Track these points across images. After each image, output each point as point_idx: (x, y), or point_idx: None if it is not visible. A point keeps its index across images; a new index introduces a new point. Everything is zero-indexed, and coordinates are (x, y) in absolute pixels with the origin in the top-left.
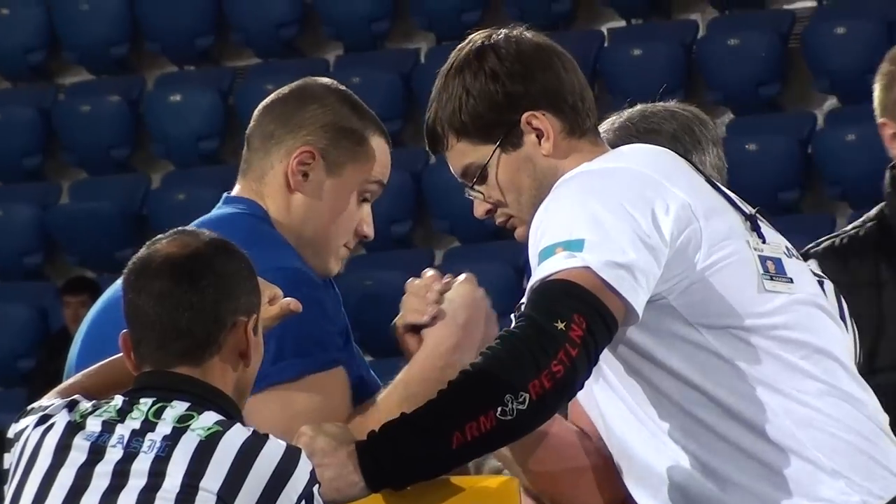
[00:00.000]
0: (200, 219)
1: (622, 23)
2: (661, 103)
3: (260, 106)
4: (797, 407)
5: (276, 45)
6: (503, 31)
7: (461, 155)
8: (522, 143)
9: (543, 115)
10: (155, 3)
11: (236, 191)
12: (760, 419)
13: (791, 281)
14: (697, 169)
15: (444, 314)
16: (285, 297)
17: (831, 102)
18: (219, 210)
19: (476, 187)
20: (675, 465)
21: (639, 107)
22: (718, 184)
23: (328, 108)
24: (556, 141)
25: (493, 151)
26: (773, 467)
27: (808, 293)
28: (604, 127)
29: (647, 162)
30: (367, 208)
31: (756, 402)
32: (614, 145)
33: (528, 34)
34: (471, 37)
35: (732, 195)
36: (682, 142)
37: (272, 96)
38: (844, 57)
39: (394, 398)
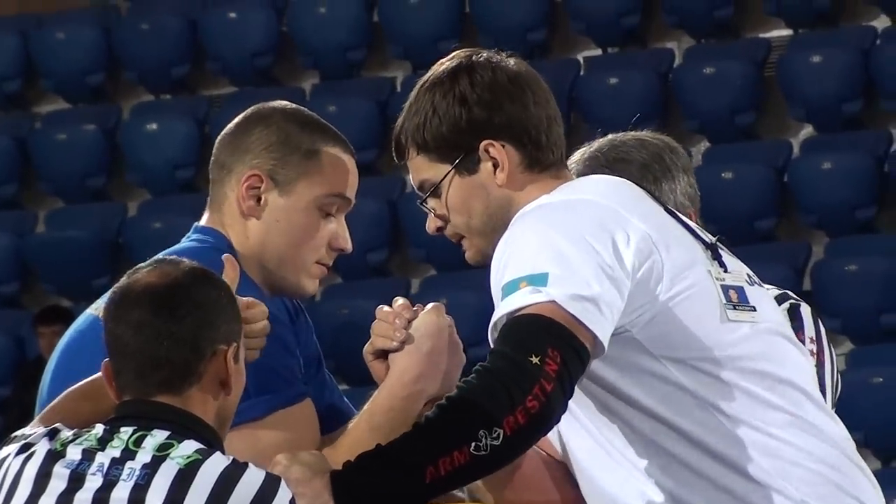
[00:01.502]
0: (168, 249)
1: (598, 51)
2: (632, 133)
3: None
4: (763, 438)
5: (252, 74)
6: (485, 54)
7: (419, 169)
8: (478, 170)
9: (503, 145)
10: (131, 33)
11: (204, 220)
12: (727, 450)
13: (754, 309)
14: (657, 199)
15: (412, 339)
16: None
17: (807, 131)
18: (186, 242)
19: (429, 203)
20: (643, 497)
21: (608, 137)
22: (679, 213)
23: (272, 128)
24: (512, 173)
25: (449, 172)
26: (742, 498)
27: (771, 321)
28: (574, 158)
29: (607, 193)
30: (338, 222)
31: (722, 433)
32: (583, 176)
33: (511, 61)
34: (455, 53)
35: (692, 224)
36: (652, 170)
37: (228, 126)
38: (820, 85)
39: (360, 428)
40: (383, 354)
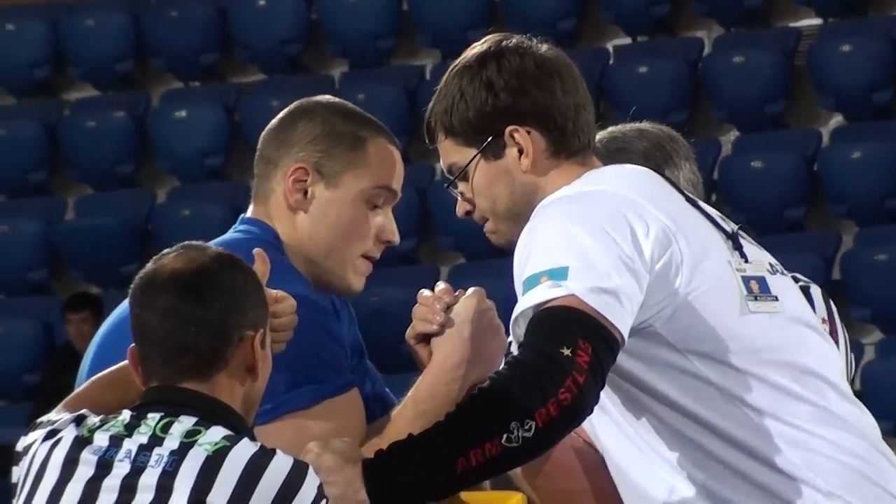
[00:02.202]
0: (214, 241)
1: (628, 40)
2: (631, 124)
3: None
4: (789, 430)
5: (282, 62)
6: (516, 39)
7: (447, 152)
8: (503, 155)
9: (528, 131)
10: (160, 20)
11: (250, 212)
12: (754, 443)
13: (776, 299)
14: (677, 187)
15: (453, 324)
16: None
17: (837, 120)
18: (232, 233)
19: (458, 187)
20: (672, 489)
21: (608, 129)
22: (700, 202)
23: (317, 121)
24: (537, 159)
25: (475, 156)
26: (770, 490)
27: (794, 310)
28: None
29: (627, 183)
30: (385, 214)
31: (748, 426)
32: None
33: (542, 47)
34: (487, 38)
35: (714, 213)
36: (654, 158)
37: (272, 121)
38: (850, 75)
39: (405, 416)
40: (426, 339)
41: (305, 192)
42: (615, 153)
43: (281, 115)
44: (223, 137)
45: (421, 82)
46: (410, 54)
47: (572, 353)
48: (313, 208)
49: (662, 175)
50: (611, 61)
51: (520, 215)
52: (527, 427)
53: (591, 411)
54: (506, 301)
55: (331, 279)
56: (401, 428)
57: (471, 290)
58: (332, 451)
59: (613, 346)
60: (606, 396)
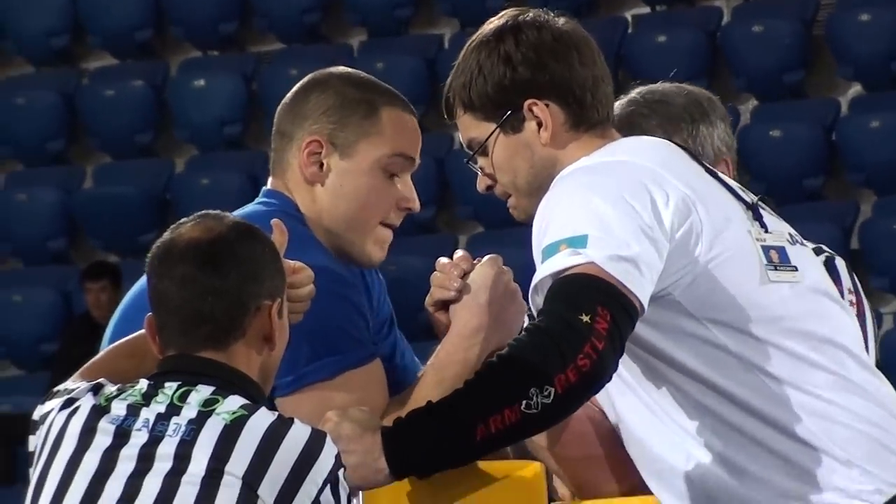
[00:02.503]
0: (235, 211)
1: (646, 9)
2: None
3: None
4: (807, 399)
5: (300, 31)
6: (533, 13)
7: (466, 127)
8: (522, 129)
9: (547, 104)
10: None
11: (270, 184)
12: (772, 411)
13: (795, 269)
14: (696, 159)
15: (470, 290)
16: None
17: (855, 89)
18: (254, 205)
19: (478, 162)
20: (690, 457)
21: (647, 86)
22: (719, 173)
23: (329, 92)
24: (556, 132)
25: (494, 131)
26: (788, 458)
27: (813, 280)
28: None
29: (646, 154)
30: (403, 182)
31: (766, 394)
32: (623, 120)
33: (559, 21)
34: (504, 12)
35: (733, 184)
36: (690, 111)
37: (287, 95)
38: (868, 44)
39: (426, 385)
40: (444, 306)
41: (321, 165)
42: (653, 104)
43: (295, 88)
44: (241, 106)
45: (439, 51)
46: (429, 23)
47: (591, 319)
48: (329, 180)
49: (692, 135)
50: (629, 30)
51: (540, 189)
52: (546, 393)
53: (610, 378)
54: (524, 270)
55: (351, 250)
56: (421, 397)
57: (487, 257)
58: (350, 420)
59: (632, 313)
60: (625, 366)
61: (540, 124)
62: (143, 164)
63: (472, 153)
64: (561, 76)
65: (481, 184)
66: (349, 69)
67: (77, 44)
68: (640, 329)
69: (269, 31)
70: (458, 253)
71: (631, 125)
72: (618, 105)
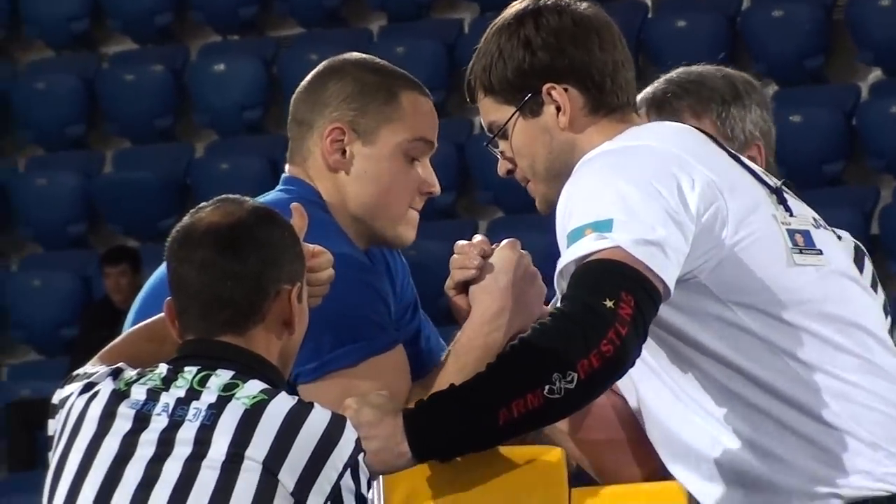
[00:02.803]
0: (256, 198)
1: None
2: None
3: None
4: (833, 382)
5: (320, 15)
6: None
7: (487, 110)
8: (541, 113)
9: (566, 89)
10: None
11: (288, 171)
12: (797, 394)
13: (820, 253)
14: (720, 144)
15: (491, 269)
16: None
17: (876, 74)
18: (275, 192)
19: (499, 146)
20: (714, 441)
21: (688, 67)
22: (743, 158)
23: (347, 79)
24: (575, 116)
25: (513, 114)
26: (813, 441)
27: (838, 264)
28: (648, 89)
29: (670, 138)
30: (423, 166)
31: (792, 377)
32: (656, 99)
33: (581, 5)
34: None
35: (756, 168)
36: (722, 93)
37: (302, 83)
38: (889, 29)
39: (448, 371)
40: (464, 289)
41: (344, 152)
42: (688, 83)
43: (310, 75)
44: (261, 91)
45: (459, 36)
46: (449, 7)
47: (615, 305)
48: (353, 167)
49: (721, 116)
50: (649, 15)
51: (559, 174)
52: (569, 379)
53: (633, 364)
54: (544, 255)
55: (384, 234)
56: (443, 382)
57: (506, 241)
58: (369, 406)
59: (656, 298)
60: (649, 351)
61: (559, 109)
62: (162, 149)
63: (492, 136)
64: (580, 61)
65: (502, 168)
66: (362, 55)
67: (97, 28)
68: (666, 313)
69: (290, 16)
70: (477, 237)
71: (661, 104)
72: (655, 84)
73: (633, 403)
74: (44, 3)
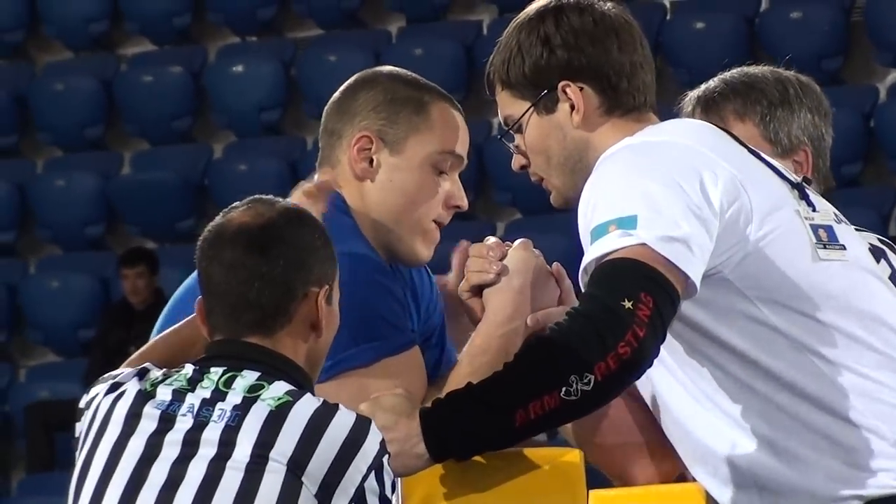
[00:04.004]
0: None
1: None
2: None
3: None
4: (857, 379)
5: (339, 17)
6: None
7: (503, 104)
8: (556, 110)
9: (581, 88)
10: None
11: (318, 178)
12: (821, 392)
13: (844, 248)
14: (739, 141)
15: (506, 271)
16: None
17: (894, 76)
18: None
19: (512, 140)
20: (736, 444)
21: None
22: (763, 154)
23: (378, 89)
24: (589, 115)
25: (528, 109)
26: (837, 440)
27: (861, 259)
28: (702, 87)
29: (691, 135)
30: (452, 180)
31: (816, 375)
32: (705, 97)
33: (605, 5)
34: None
35: (777, 164)
36: (770, 95)
37: (334, 94)
38: None
39: (462, 373)
40: (479, 292)
41: (371, 161)
42: (738, 84)
43: (343, 87)
44: (280, 92)
45: (478, 37)
46: (468, 9)
47: (633, 306)
48: (380, 176)
49: (764, 119)
50: (668, 17)
51: (573, 171)
52: (586, 380)
53: (651, 365)
54: (562, 256)
55: (399, 248)
56: (457, 384)
57: (518, 241)
58: (382, 410)
59: (675, 299)
60: (669, 351)
61: (573, 107)
62: (180, 150)
63: (506, 130)
64: (597, 61)
65: (516, 162)
66: (397, 68)
67: (115, 30)
68: (689, 309)
69: (308, 17)
70: (491, 239)
71: (708, 104)
72: (708, 82)
73: (651, 403)
74: (62, 5)
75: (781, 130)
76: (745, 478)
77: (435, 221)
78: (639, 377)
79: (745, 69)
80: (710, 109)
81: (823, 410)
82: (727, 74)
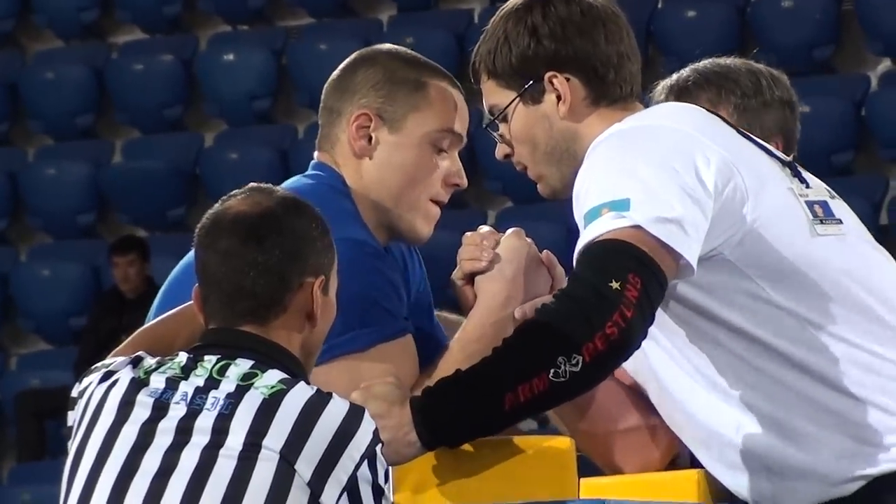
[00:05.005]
0: (283, 184)
1: None
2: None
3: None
4: (861, 354)
5: (330, 5)
6: None
7: (489, 93)
8: (542, 101)
9: (567, 78)
10: None
11: (317, 157)
12: (825, 367)
13: (840, 222)
14: (728, 123)
15: (498, 259)
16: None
17: (885, 65)
18: (301, 178)
19: (499, 129)
20: (741, 426)
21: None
22: (752, 136)
23: (377, 67)
24: (575, 106)
25: (514, 99)
26: (844, 416)
27: (858, 232)
28: (673, 76)
29: (681, 118)
30: (451, 158)
31: (819, 350)
32: (678, 86)
33: None
34: None
35: (767, 145)
36: (743, 87)
37: (332, 74)
38: None
39: (453, 359)
40: (471, 280)
41: (370, 139)
42: (711, 75)
43: (342, 65)
44: (271, 81)
45: (469, 26)
46: None
47: (621, 286)
48: (378, 153)
49: (739, 109)
50: (659, 5)
51: (560, 161)
52: (574, 362)
53: (639, 346)
54: (553, 244)
55: (399, 225)
56: (448, 371)
57: (510, 230)
58: (374, 398)
59: (663, 281)
60: (671, 335)
61: (559, 97)
62: (171, 139)
63: (492, 119)
64: (584, 52)
65: (500, 151)
66: (397, 46)
67: (106, 18)
68: (691, 293)
69: (299, 6)
70: (484, 228)
71: (681, 91)
72: (680, 71)
73: (652, 390)
74: None
75: (754, 121)
76: (752, 460)
77: (434, 200)
78: (626, 358)
79: (717, 60)
80: (682, 98)
81: (828, 386)
82: (699, 64)
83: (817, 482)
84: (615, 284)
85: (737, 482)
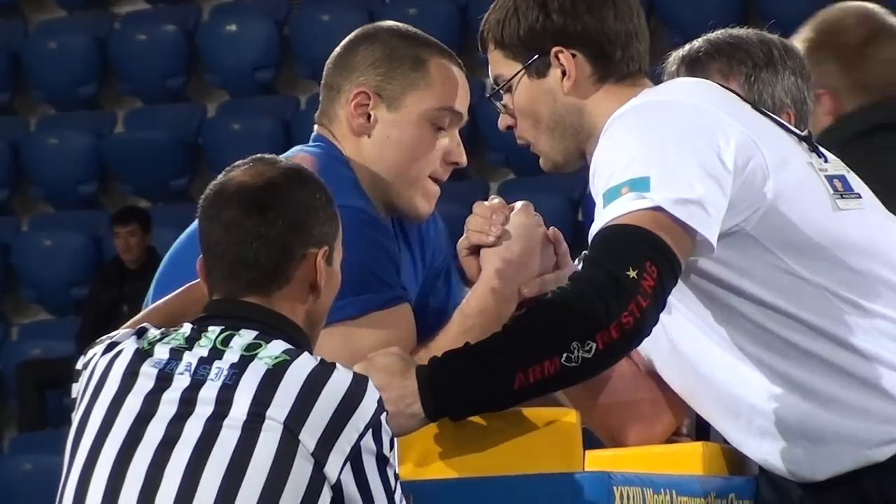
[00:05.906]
0: (286, 153)
1: None
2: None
3: None
4: (884, 323)
5: None
6: None
7: (495, 63)
8: (547, 75)
9: (574, 55)
10: None
11: (317, 130)
12: (851, 337)
13: (859, 196)
14: (743, 98)
15: (508, 235)
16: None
17: None
18: (305, 147)
19: (501, 100)
20: (773, 393)
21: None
22: (767, 112)
23: (377, 45)
24: (579, 82)
25: (519, 71)
26: (872, 381)
27: (876, 206)
28: (685, 47)
29: (698, 94)
30: (451, 136)
31: (844, 321)
32: (690, 57)
33: None
34: None
35: (781, 120)
36: (754, 56)
37: (334, 50)
38: None
39: (453, 331)
40: (476, 251)
41: (368, 117)
42: (722, 45)
43: (344, 42)
44: (273, 52)
45: None
46: None
47: (638, 275)
48: (376, 131)
49: (749, 80)
50: None
51: (563, 136)
52: (587, 348)
53: (649, 334)
54: (555, 216)
55: (399, 202)
56: (449, 342)
57: (519, 204)
58: (376, 369)
59: (677, 269)
60: (693, 306)
61: (564, 73)
62: (174, 109)
63: (496, 89)
64: (592, 29)
65: (502, 122)
66: (399, 23)
67: None
68: (716, 269)
69: None
70: (495, 199)
71: (693, 62)
72: (693, 42)
73: (662, 362)
74: None
75: (766, 91)
76: (787, 428)
77: (433, 178)
78: (636, 346)
79: (729, 30)
80: (694, 69)
81: (854, 353)
82: (711, 35)
83: (856, 446)
84: (632, 273)
85: (767, 451)
